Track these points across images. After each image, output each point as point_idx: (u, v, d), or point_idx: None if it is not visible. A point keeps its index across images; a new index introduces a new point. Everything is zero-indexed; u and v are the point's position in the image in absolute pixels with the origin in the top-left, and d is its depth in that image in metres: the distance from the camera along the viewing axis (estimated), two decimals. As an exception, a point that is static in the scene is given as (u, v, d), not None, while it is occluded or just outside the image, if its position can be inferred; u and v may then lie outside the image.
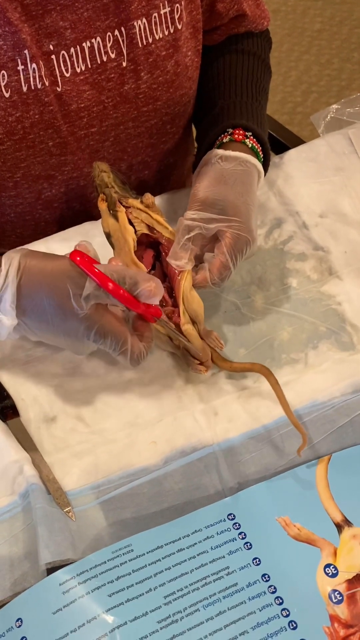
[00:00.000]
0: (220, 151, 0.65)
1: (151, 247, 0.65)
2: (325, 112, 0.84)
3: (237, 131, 0.67)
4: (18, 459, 0.58)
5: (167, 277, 0.63)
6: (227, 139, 0.67)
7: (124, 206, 0.63)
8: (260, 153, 0.68)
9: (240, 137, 0.67)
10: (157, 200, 0.76)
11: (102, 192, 0.64)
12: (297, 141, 0.92)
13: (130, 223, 0.62)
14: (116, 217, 0.62)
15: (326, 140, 0.80)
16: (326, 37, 2.07)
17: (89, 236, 0.68)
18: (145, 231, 0.63)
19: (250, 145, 0.67)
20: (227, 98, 0.72)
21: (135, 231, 0.62)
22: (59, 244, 0.72)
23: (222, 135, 0.68)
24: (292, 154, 0.80)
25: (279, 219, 0.74)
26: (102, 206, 0.63)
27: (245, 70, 0.75)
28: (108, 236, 0.63)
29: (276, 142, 0.93)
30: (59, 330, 0.57)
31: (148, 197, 0.64)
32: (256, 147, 0.67)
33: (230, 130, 0.68)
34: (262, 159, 0.68)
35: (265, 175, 0.69)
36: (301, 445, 0.57)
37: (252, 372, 0.61)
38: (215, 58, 0.76)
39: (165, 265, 0.63)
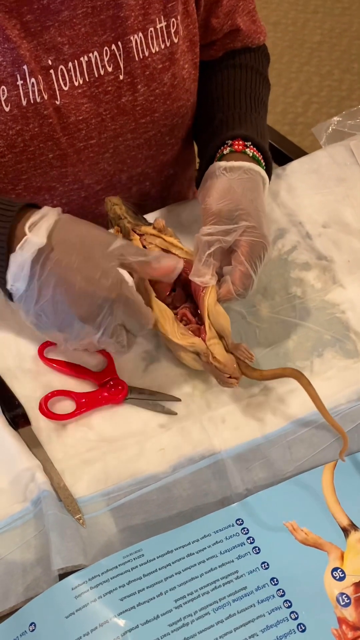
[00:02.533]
0: (223, 163, 0.66)
1: None
2: (327, 124, 0.85)
3: (237, 142, 0.68)
4: (30, 466, 0.59)
5: (189, 297, 0.64)
6: (228, 150, 0.68)
7: (137, 234, 0.64)
8: (262, 161, 0.69)
9: (240, 147, 0.68)
10: (160, 212, 0.77)
11: (116, 224, 0.66)
12: (298, 152, 0.94)
13: (146, 249, 0.64)
14: None
15: (328, 152, 0.82)
16: (326, 49, 2.09)
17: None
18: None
19: (251, 154, 0.68)
20: (226, 111, 0.73)
21: None
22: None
23: (222, 148, 0.69)
24: (294, 165, 0.81)
25: (283, 229, 0.76)
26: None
27: (243, 83, 0.76)
28: None
29: (278, 153, 0.95)
30: (77, 297, 0.54)
31: (159, 221, 0.65)
32: (257, 155, 0.68)
33: (230, 142, 0.68)
34: (265, 167, 0.69)
35: (269, 182, 0.70)
36: (343, 447, 0.57)
37: (283, 377, 0.61)
38: (214, 73, 0.78)
39: (187, 284, 0.64)
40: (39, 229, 0.55)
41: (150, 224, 0.66)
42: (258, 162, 0.68)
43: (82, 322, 0.55)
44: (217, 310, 0.60)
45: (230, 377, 0.60)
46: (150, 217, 0.77)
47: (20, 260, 0.55)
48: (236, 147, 0.68)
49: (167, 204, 0.79)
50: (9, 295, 0.58)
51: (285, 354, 0.66)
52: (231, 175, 0.65)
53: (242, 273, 0.61)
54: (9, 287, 0.57)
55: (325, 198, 0.78)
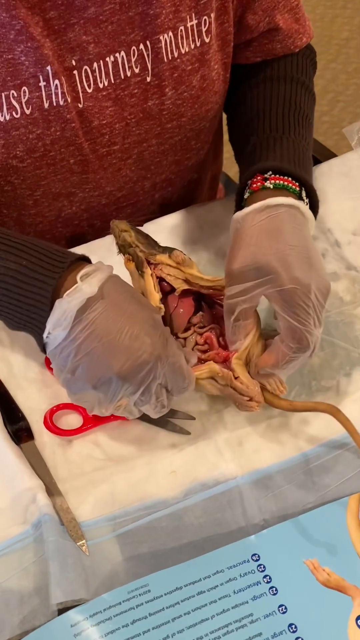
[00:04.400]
0: (237, 215, 0.59)
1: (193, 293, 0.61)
2: (359, 124, 0.80)
3: (255, 179, 0.60)
4: (31, 486, 0.55)
5: (215, 319, 0.60)
6: (247, 194, 0.61)
7: (153, 264, 0.59)
8: (291, 185, 0.59)
9: (259, 184, 0.60)
10: (180, 214, 0.73)
11: (127, 252, 0.59)
12: (325, 152, 0.89)
13: (164, 280, 0.59)
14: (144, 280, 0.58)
15: (359, 154, 0.77)
16: (354, 46, 2.04)
17: (112, 250, 0.65)
18: (185, 286, 0.59)
19: (272, 185, 0.59)
20: (260, 134, 0.66)
21: (173, 289, 0.59)
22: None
23: (244, 192, 0.62)
24: (323, 167, 0.77)
25: (310, 236, 0.71)
26: (130, 267, 0.59)
27: (281, 99, 0.68)
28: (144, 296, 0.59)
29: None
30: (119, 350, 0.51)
31: (177, 254, 0.59)
32: (282, 182, 0.59)
33: (249, 182, 0.61)
34: (300, 192, 0.60)
35: (313, 204, 0.61)
36: None
37: (316, 411, 0.56)
38: (249, 88, 0.71)
39: (214, 306, 0.60)
40: (92, 279, 0.53)
41: (164, 251, 0.60)
42: (287, 189, 0.59)
43: (121, 379, 0.51)
44: (258, 345, 0.56)
45: (250, 400, 0.55)
46: (167, 219, 0.73)
47: (65, 306, 0.52)
48: (254, 186, 0.60)
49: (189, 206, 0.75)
50: (43, 347, 0.55)
51: (310, 372, 0.62)
52: (245, 223, 0.57)
53: (286, 328, 0.54)
54: (45, 335, 0.53)
55: (356, 203, 0.73)
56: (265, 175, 0.60)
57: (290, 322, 0.53)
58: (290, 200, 0.58)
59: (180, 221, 0.73)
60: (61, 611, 0.50)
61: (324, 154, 0.89)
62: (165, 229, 0.72)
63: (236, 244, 0.56)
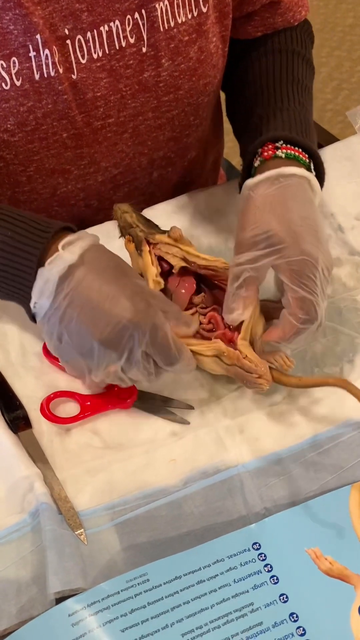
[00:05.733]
0: (249, 181, 0.58)
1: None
2: (363, 108, 0.79)
3: (266, 147, 0.60)
4: (29, 474, 0.54)
5: (216, 301, 0.59)
6: (258, 162, 0.61)
7: (152, 243, 0.59)
8: (302, 157, 0.60)
9: (270, 152, 0.60)
10: (179, 200, 0.72)
11: (127, 233, 0.60)
12: (330, 138, 0.87)
13: (163, 260, 0.59)
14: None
15: (363, 138, 0.76)
16: (359, 33, 2.02)
17: (110, 237, 0.64)
18: (183, 264, 0.59)
19: (284, 154, 0.59)
20: (266, 106, 0.66)
21: (172, 267, 0.59)
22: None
23: (254, 160, 0.61)
24: (326, 151, 0.75)
25: (312, 221, 0.70)
26: (130, 248, 0.60)
27: (283, 70, 0.68)
28: (142, 276, 0.59)
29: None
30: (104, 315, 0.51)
31: (175, 230, 0.59)
32: (296, 153, 0.60)
33: (259, 150, 0.61)
34: (310, 163, 0.61)
35: (322, 175, 0.61)
36: None
37: (326, 386, 0.55)
38: (251, 62, 0.71)
39: (216, 288, 0.59)
40: (73, 247, 0.53)
41: (163, 232, 0.60)
42: (298, 160, 0.59)
43: (103, 345, 0.52)
44: (258, 320, 0.56)
45: (259, 378, 0.54)
46: (167, 205, 0.72)
47: (47, 275, 0.53)
48: (265, 154, 0.60)
49: (189, 191, 0.73)
50: (33, 317, 0.55)
51: (313, 358, 0.61)
52: (257, 191, 0.57)
53: (294, 299, 0.53)
54: (32, 304, 0.54)
55: (360, 188, 0.72)
56: (277, 145, 0.60)
57: (299, 292, 0.53)
58: (302, 171, 0.58)
59: (181, 206, 0.72)
60: (59, 600, 0.49)
61: (329, 142, 0.87)
62: (165, 214, 0.71)
63: (247, 212, 0.56)
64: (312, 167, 0.61)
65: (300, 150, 0.60)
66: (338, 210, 0.70)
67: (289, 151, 0.60)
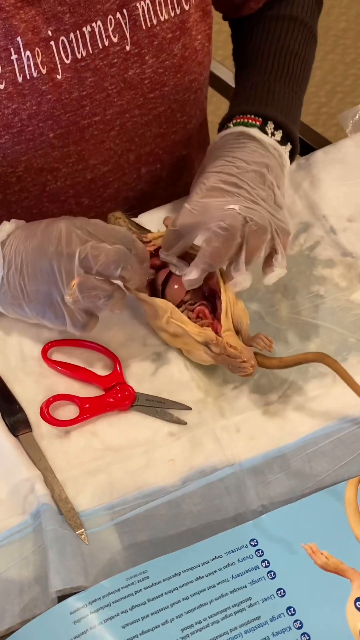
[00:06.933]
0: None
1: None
2: (354, 110, 0.80)
3: (247, 117, 0.65)
4: (29, 476, 0.55)
5: (206, 298, 0.61)
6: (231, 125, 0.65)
7: (144, 242, 0.62)
8: (254, 122, 0.64)
9: (250, 121, 0.65)
10: (166, 208, 0.72)
11: None
12: (323, 142, 0.88)
13: (154, 256, 0.62)
14: None
15: (354, 141, 0.77)
16: (352, 36, 2.03)
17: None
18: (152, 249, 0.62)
19: (241, 124, 0.64)
20: (249, 78, 0.69)
21: (165, 264, 0.62)
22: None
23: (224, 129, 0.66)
24: (318, 155, 0.76)
25: (305, 223, 0.71)
26: None
27: (281, 41, 0.69)
28: None
29: (301, 143, 0.89)
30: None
31: (168, 218, 0.62)
32: (251, 121, 0.64)
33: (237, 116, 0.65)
34: (260, 126, 0.64)
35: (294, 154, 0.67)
36: None
37: (306, 362, 0.57)
38: (249, 30, 0.72)
39: (204, 284, 0.61)
40: (9, 224, 0.60)
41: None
42: (250, 126, 0.64)
43: (57, 257, 0.56)
44: (238, 305, 0.59)
45: (244, 362, 0.56)
46: (160, 210, 0.73)
47: None
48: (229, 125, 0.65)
49: (180, 191, 0.74)
50: None
51: (306, 358, 0.62)
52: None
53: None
54: None
55: (352, 190, 0.73)
56: (246, 118, 0.65)
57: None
58: (241, 128, 0.64)
59: (176, 211, 0.73)
60: (61, 599, 0.50)
61: (319, 143, 0.88)
62: (159, 219, 0.71)
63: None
64: (268, 132, 0.65)
65: (260, 120, 0.65)
66: (330, 212, 0.71)
67: (247, 121, 0.65)
